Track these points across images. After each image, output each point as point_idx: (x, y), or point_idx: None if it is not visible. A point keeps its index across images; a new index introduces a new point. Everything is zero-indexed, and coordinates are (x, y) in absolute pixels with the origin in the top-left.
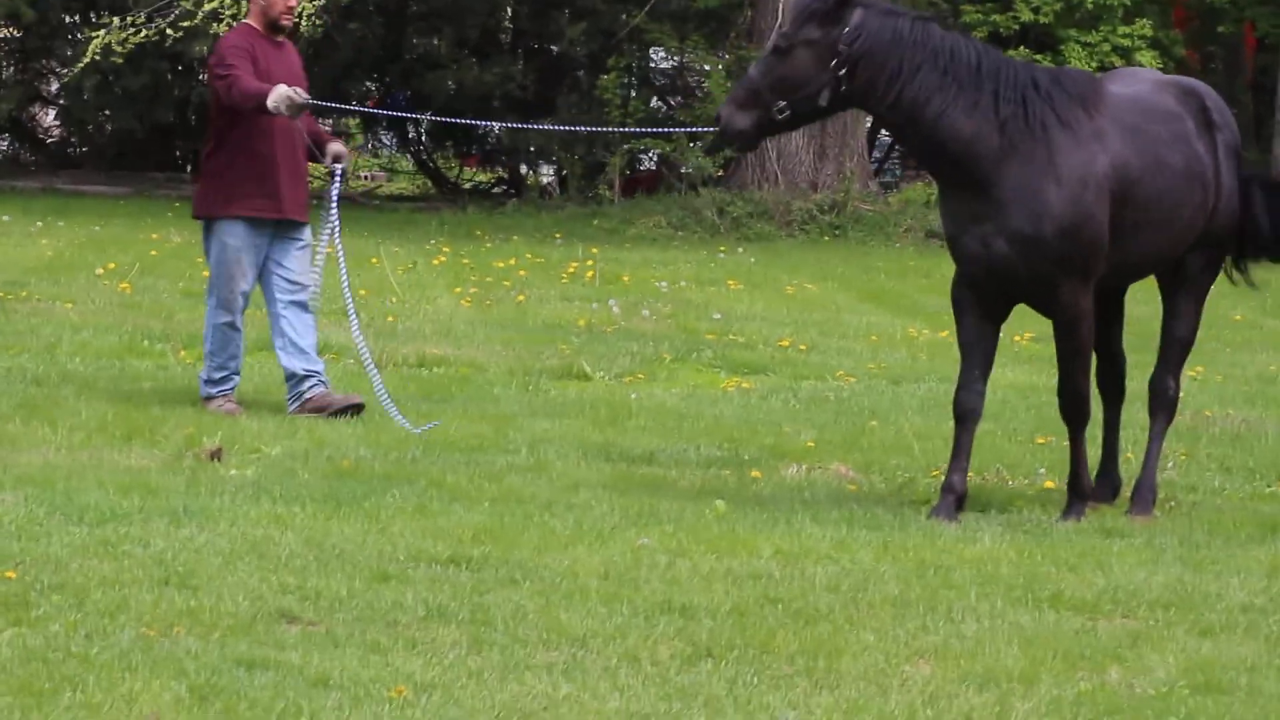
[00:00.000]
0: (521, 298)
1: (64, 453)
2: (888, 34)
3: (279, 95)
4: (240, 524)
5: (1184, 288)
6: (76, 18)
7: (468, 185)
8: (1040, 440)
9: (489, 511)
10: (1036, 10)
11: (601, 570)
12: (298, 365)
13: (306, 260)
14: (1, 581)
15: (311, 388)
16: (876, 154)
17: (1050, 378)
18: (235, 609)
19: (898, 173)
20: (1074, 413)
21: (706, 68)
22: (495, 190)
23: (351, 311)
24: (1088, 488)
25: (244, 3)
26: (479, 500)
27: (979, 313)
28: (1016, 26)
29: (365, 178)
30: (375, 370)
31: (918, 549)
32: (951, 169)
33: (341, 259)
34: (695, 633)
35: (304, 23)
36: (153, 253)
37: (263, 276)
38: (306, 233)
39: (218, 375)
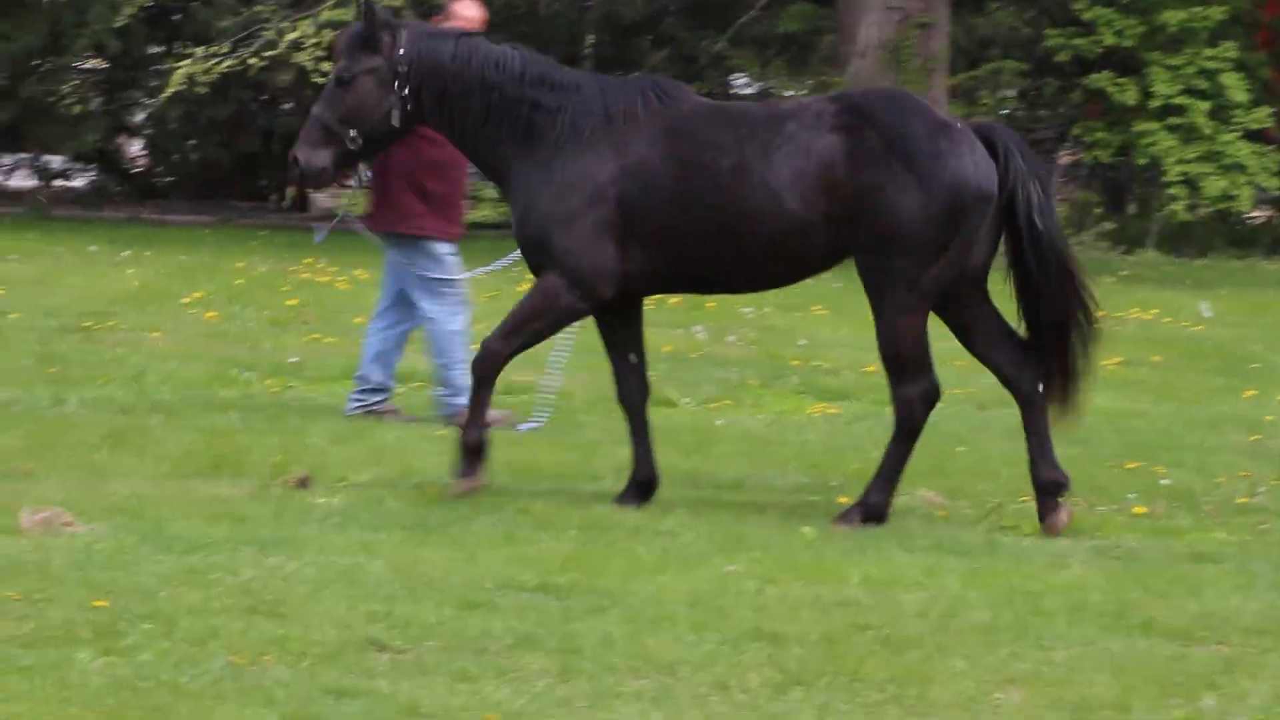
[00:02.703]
0: None
1: (152, 482)
2: (432, 56)
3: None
4: (328, 552)
5: (872, 297)
6: (161, 49)
7: None
8: (1129, 465)
9: (576, 539)
10: (1120, 33)
11: (689, 597)
12: (375, 374)
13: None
14: (92, 610)
15: (379, 403)
16: None
17: (1137, 403)
18: (324, 637)
19: None
20: (478, 362)
21: (789, 93)
22: None
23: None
24: (473, 441)
25: (326, 32)
26: (566, 528)
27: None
28: (1100, 50)
29: None
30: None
31: (1007, 575)
32: (493, 176)
33: None
34: (784, 660)
35: None
36: (238, 281)
37: (408, 283)
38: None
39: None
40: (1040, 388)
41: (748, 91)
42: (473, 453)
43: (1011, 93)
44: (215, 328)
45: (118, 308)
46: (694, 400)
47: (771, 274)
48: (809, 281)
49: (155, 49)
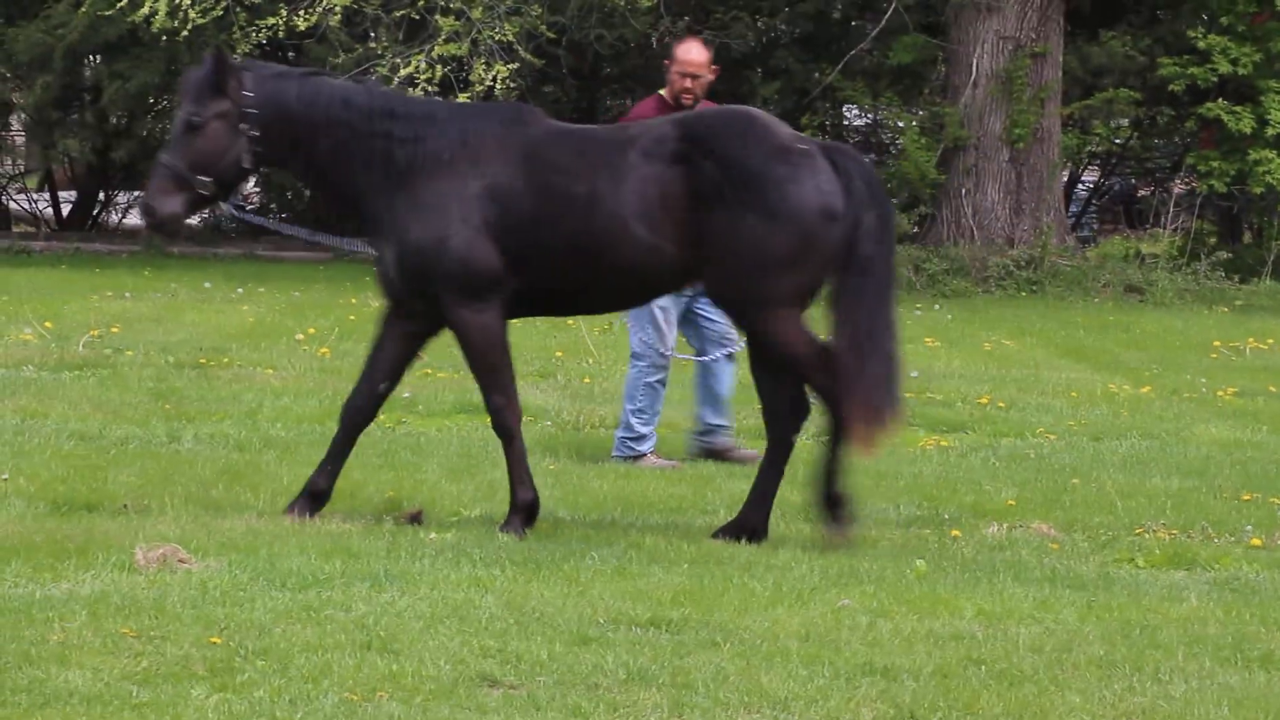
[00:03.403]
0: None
1: (266, 518)
2: (278, 97)
3: None
4: (441, 587)
5: (745, 320)
6: None
7: None
8: (1245, 497)
9: (688, 573)
10: (1235, 62)
11: (802, 631)
12: (709, 416)
13: None
14: (207, 647)
15: (716, 439)
16: (1073, 208)
17: (1253, 434)
18: (437, 673)
19: (1095, 226)
20: (497, 426)
21: (900, 124)
22: None
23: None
24: (527, 501)
25: (438, 68)
26: (678, 562)
27: (396, 327)
28: (1215, 79)
29: None
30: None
31: (1122, 609)
32: (352, 213)
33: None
34: (898, 695)
35: (498, 86)
36: (351, 317)
37: (692, 328)
38: None
39: (644, 430)
40: (794, 436)
41: (859, 123)
42: (529, 513)
43: (1125, 122)
44: (328, 364)
45: (232, 344)
46: (805, 433)
47: (626, 294)
48: (921, 313)
49: None
